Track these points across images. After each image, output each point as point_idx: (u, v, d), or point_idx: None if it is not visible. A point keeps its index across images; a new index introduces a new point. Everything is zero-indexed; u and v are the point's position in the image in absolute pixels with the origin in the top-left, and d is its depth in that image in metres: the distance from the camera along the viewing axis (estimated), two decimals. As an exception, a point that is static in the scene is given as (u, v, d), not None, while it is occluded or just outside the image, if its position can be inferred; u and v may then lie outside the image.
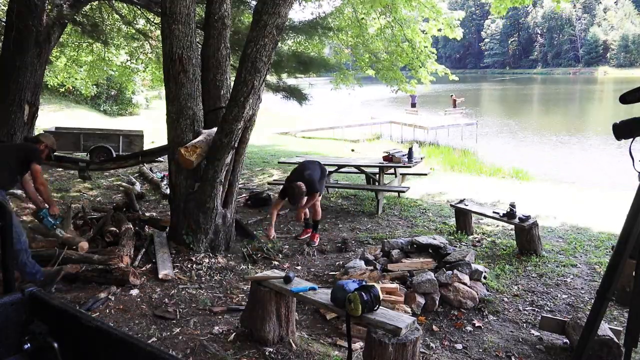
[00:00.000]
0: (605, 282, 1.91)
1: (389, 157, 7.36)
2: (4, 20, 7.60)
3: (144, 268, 4.65)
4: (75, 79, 14.97)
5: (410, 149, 7.41)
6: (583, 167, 14.44)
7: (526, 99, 39.06)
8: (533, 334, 3.69)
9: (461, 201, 6.17)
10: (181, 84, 4.90)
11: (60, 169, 9.21)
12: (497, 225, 6.38)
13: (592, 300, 2.83)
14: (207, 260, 4.87)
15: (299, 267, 5.03)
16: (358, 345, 3.33)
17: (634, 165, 1.91)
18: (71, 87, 17.93)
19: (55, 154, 9.88)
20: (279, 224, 6.62)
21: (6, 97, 7.12)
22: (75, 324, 1.63)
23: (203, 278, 4.52)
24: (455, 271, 4.16)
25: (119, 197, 7.76)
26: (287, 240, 5.90)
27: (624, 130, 1.91)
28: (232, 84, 4.95)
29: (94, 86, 17.13)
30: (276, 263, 5.07)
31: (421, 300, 3.95)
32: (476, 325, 3.79)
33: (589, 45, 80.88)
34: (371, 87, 24.44)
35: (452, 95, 25.36)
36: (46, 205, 4.39)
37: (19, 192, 7.37)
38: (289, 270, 4.03)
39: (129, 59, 13.40)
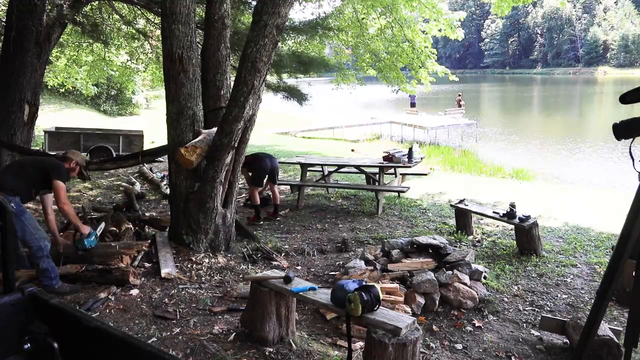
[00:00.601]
0: (605, 282, 1.91)
1: (389, 157, 7.37)
2: (4, 20, 7.59)
3: (144, 268, 4.65)
4: (76, 79, 14.96)
5: (410, 149, 7.42)
6: (583, 168, 14.44)
7: (525, 102, 38.76)
8: (533, 334, 3.69)
9: (461, 201, 6.17)
10: (181, 84, 4.90)
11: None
12: (497, 225, 6.38)
13: (592, 300, 2.83)
14: (207, 260, 4.87)
15: (299, 267, 5.03)
16: (358, 345, 3.33)
17: (634, 165, 1.91)
18: (71, 87, 17.91)
19: (52, 153, 9.87)
20: (278, 224, 6.63)
21: (6, 97, 7.12)
22: (75, 324, 1.62)
23: (203, 278, 4.52)
24: (455, 271, 4.16)
25: (119, 197, 7.76)
26: (286, 240, 5.90)
27: (624, 130, 1.91)
28: (232, 84, 4.95)
29: (94, 86, 17.09)
30: (276, 263, 5.07)
31: (421, 300, 3.95)
32: (476, 325, 3.79)
33: (589, 45, 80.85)
34: (371, 87, 24.39)
35: (459, 95, 25.28)
36: (74, 230, 4.17)
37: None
38: (289, 270, 4.02)
39: (129, 59, 13.39)
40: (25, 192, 4.00)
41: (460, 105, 23.97)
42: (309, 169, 8.02)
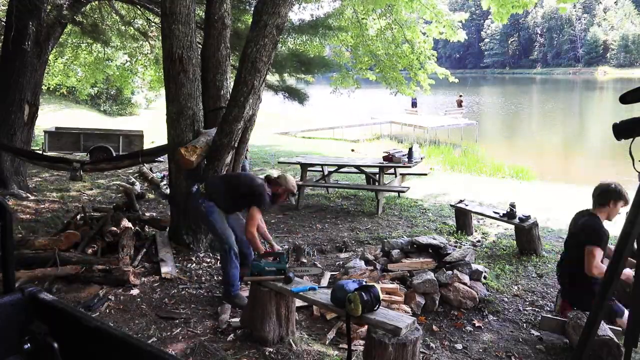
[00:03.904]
0: (605, 282, 1.91)
1: (389, 157, 7.36)
2: (4, 20, 7.59)
3: (144, 268, 4.65)
4: (74, 80, 14.94)
5: (410, 149, 7.41)
6: (583, 168, 14.43)
7: (525, 108, 38.40)
8: (533, 334, 3.69)
9: (461, 201, 6.17)
10: (181, 84, 4.90)
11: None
12: (497, 225, 6.38)
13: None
14: (207, 260, 4.87)
15: (299, 267, 5.03)
16: (358, 345, 3.33)
17: (634, 165, 1.91)
18: (66, 91, 17.88)
19: (48, 154, 9.81)
20: (278, 223, 6.63)
21: (6, 97, 7.12)
22: (75, 324, 1.62)
23: (203, 278, 4.52)
24: (455, 271, 4.16)
25: (119, 197, 7.76)
26: (287, 240, 5.90)
27: (624, 130, 1.90)
28: (232, 84, 4.95)
29: (94, 87, 17.07)
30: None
31: (421, 300, 3.95)
32: (476, 325, 3.79)
33: (589, 45, 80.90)
34: (370, 91, 24.33)
35: (460, 95, 25.28)
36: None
37: (20, 191, 7.38)
38: (289, 270, 4.02)
39: (128, 59, 13.37)
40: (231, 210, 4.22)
41: (460, 106, 23.97)
42: (309, 169, 8.01)
